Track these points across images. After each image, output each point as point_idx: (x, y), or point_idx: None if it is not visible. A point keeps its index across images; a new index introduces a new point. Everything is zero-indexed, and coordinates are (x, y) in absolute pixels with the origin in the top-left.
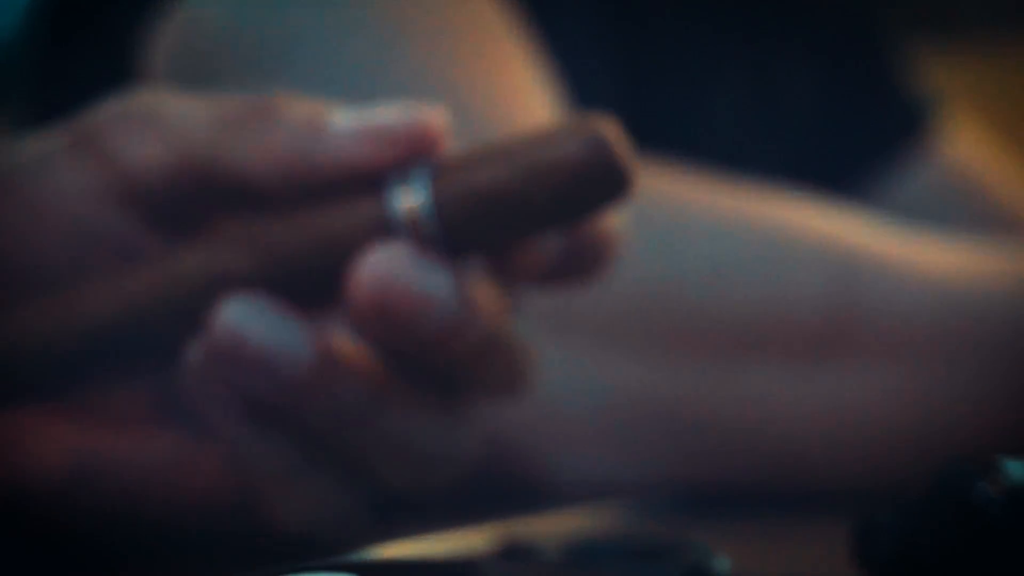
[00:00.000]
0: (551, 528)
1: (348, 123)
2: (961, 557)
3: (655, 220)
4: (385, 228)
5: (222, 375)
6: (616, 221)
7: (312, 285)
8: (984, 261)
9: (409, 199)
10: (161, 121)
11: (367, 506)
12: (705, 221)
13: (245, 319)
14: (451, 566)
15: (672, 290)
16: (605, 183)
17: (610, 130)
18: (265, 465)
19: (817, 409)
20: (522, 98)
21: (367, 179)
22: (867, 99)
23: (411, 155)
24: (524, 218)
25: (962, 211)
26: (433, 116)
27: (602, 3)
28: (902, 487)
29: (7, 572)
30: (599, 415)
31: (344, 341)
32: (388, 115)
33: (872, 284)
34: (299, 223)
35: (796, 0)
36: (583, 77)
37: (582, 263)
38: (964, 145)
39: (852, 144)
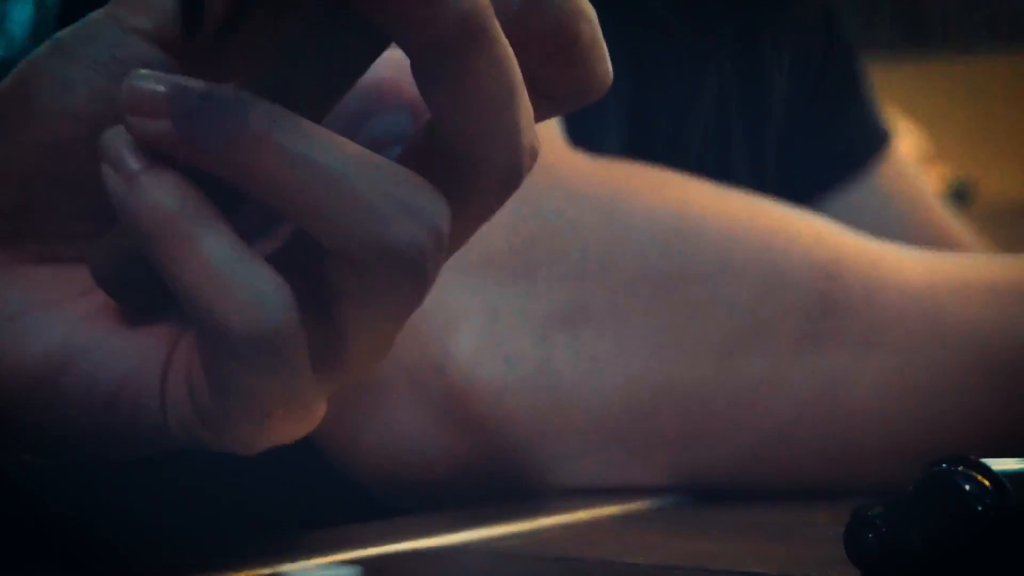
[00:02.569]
0: (551, 527)
1: None
2: (949, 550)
3: (667, 221)
4: None
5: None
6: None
7: None
8: (947, 266)
9: None
10: None
11: None
12: (711, 221)
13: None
14: (452, 556)
15: (682, 284)
16: None
17: None
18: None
19: (812, 393)
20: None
21: None
22: (833, 118)
23: None
24: None
25: (900, 228)
26: None
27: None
28: (891, 478)
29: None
30: (612, 410)
31: None
32: None
33: (856, 278)
34: None
35: (774, 18)
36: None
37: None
38: (908, 166)
39: (815, 161)
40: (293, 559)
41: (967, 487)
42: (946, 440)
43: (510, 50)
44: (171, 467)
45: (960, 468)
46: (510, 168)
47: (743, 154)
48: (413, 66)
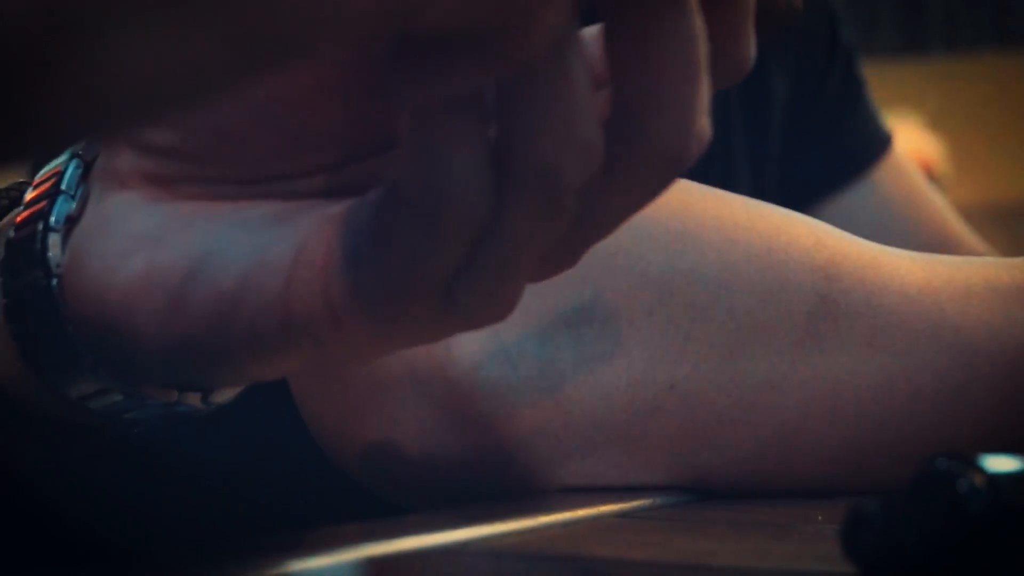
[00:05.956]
0: (552, 525)
1: None
2: (945, 547)
3: (670, 224)
4: None
5: None
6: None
7: None
8: (947, 268)
9: None
10: None
11: None
12: (712, 224)
13: None
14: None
15: (684, 286)
16: None
17: None
18: None
19: (814, 395)
20: None
21: None
22: (836, 122)
23: None
24: None
25: (902, 231)
26: None
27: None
28: (893, 479)
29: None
30: (614, 410)
31: None
32: None
33: (856, 280)
34: None
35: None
36: None
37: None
38: (910, 168)
39: (817, 165)
40: (293, 559)
41: (959, 485)
42: (948, 441)
43: (701, 24)
44: (172, 466)
45: (954, 465)
46: (678, 149)
47: (744, 158)
48: (604, 23)
